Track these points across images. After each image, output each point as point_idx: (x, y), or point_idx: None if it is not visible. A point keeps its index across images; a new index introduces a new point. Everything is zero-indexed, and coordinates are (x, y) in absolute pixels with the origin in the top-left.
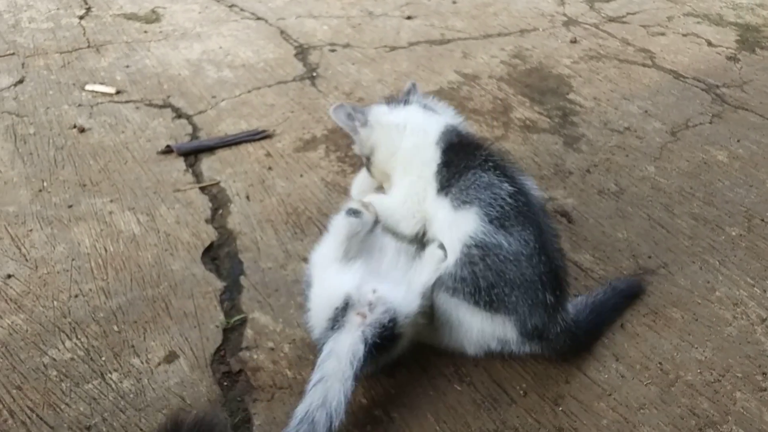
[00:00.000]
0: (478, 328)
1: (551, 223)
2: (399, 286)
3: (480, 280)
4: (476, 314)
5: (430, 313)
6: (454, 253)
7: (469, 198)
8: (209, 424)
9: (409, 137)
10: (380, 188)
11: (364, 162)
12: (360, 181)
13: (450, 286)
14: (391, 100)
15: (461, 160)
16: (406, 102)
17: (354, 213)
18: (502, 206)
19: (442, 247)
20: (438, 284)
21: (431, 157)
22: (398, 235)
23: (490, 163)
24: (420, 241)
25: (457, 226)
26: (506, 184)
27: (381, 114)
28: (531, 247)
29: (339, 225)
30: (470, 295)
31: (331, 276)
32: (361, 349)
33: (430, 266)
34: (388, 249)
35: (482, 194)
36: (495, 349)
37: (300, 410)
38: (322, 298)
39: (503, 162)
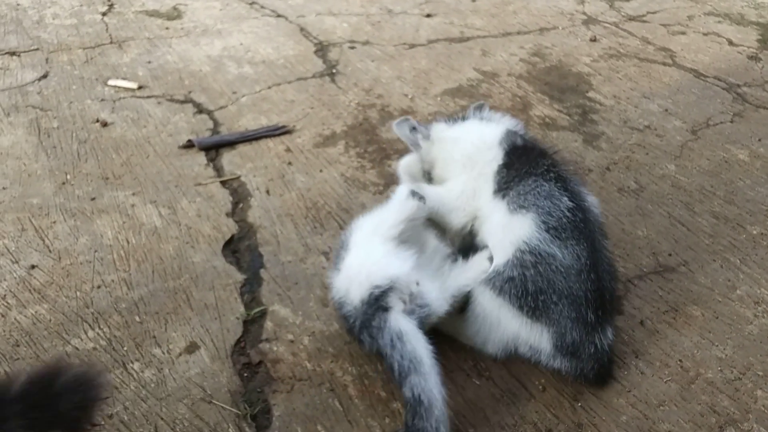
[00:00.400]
0: (514, 331)
1: (607, 244)
2: (435, 284)
3: (529, 284)
4: (517, 318)
5: (455, 308)
6: (505, 255)
7: (527, 204)
8: (88, 381)
9: (465, 143)
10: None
11: (424, 174)
12: (406, 162)
13: (498, 285)
14: (449, 117)
15: (523, 165)
16: (464, 118)
17: (420, 197)
18: (560, 218)
19: (491, 259)
20: (486, 281)
21: (493, 156)
22: (445, 226)
23: (553, 174)
24: (460, 246)
25: (511, 230)
26: (566, 198)
27: (440, 130)
28: (582, 263)
29: (404, 206)
30: (516, 298)
31: (379, 252)
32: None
33: (473, 272)
34: (428, 245)
35: (541, 202)
36: (522, 355)
37: (422, 395)
38: (362, 269)
39: (566, 174)
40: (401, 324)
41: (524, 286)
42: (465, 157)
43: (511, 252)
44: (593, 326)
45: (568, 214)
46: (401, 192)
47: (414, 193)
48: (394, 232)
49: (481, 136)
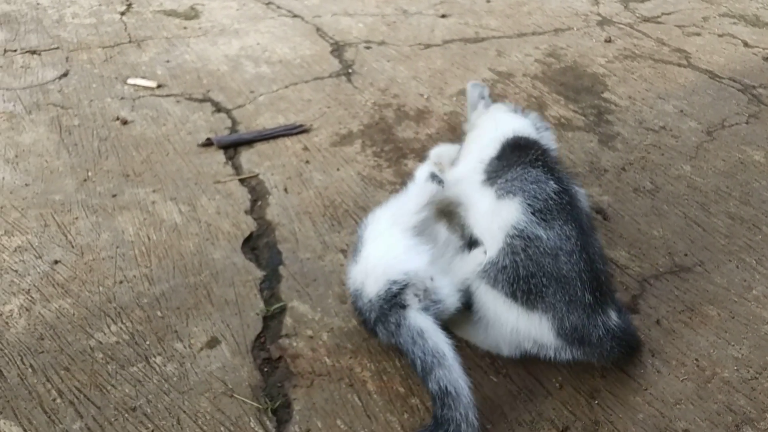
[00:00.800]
0: (513, 324)
1: (595, 230)
2: (447, 279)
3: (520, 269)
4: (512, 309)
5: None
6: (496, 242)
7: (514, 189)
8: None
9: (489, 133)
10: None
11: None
12: (438, 152)
13: (492, 276)
14: (514, 106)
15: (513, 156)
16: (522, 113)
17: (439, 181)
18: (546, 200)
19: (486, 252)
20: (481, 274)
21: (492, 149)
22: (449, 215)
23: (540, 162)
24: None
25: (499, 215)
26: (552, 182)
27: (497, 108)
28: (572, 243)
29: (424, 189)
30: (509, 284)
31: (398, 245)
32: None
33: (470, 266)
34: (439, 237)
35: (527, 187)
36: (531, 351)
37: (448, 386)
38: (379, 263)
39: (553, 163)
40: (420, 322)
41: (516, 272)
42: (481, 145)
43: (501, 239)
44: (592, 308)
45: (554, 196)
46: (421, 174)
47: (434, 176)
48: (415, 220)
49: (504, 131)
